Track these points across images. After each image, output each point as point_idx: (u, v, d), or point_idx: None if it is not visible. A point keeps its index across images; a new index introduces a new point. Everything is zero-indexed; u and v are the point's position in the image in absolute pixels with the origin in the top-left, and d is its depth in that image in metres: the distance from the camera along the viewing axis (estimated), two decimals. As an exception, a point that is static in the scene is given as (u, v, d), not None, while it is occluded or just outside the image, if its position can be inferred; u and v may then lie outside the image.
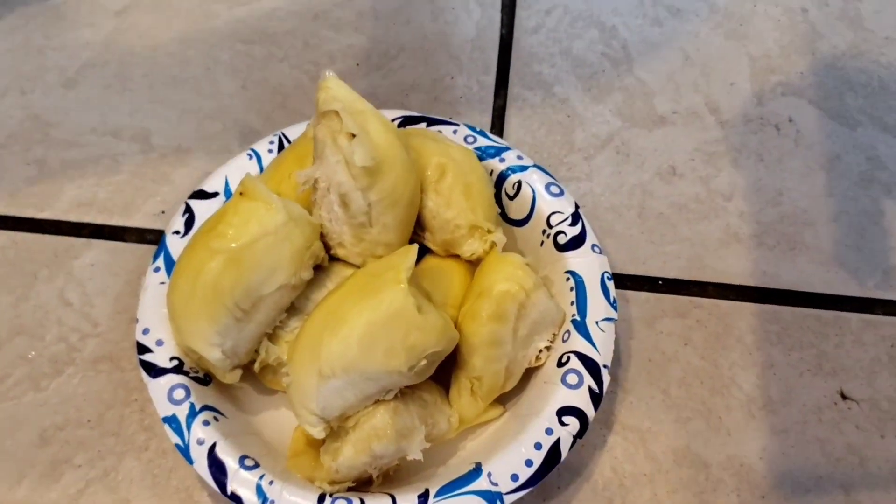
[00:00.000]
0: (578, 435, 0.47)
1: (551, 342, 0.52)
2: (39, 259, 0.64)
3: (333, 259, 0.52)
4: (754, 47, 0.77)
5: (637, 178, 0.68)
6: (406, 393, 0.48)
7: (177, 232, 0.55)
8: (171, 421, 0.48)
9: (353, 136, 0.47)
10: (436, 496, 0.45)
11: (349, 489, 0.48)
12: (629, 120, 0.72)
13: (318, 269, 0.51)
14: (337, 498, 0.45)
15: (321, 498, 0.45)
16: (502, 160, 0.58)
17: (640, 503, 0.52)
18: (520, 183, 0.57)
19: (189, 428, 0.47)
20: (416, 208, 0.52)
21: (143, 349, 0.50)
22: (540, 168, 0.58)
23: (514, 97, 0.73)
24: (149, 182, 0.68)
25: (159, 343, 0.50)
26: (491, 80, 0.74)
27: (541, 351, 0.52)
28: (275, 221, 0.47)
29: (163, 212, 0.65)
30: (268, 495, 0.45)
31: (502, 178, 0.57)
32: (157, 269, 0.53)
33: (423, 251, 0.55)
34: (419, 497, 0.45)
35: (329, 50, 0.77)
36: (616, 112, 0.73)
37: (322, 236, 0.51)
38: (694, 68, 0.75)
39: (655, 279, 0.62)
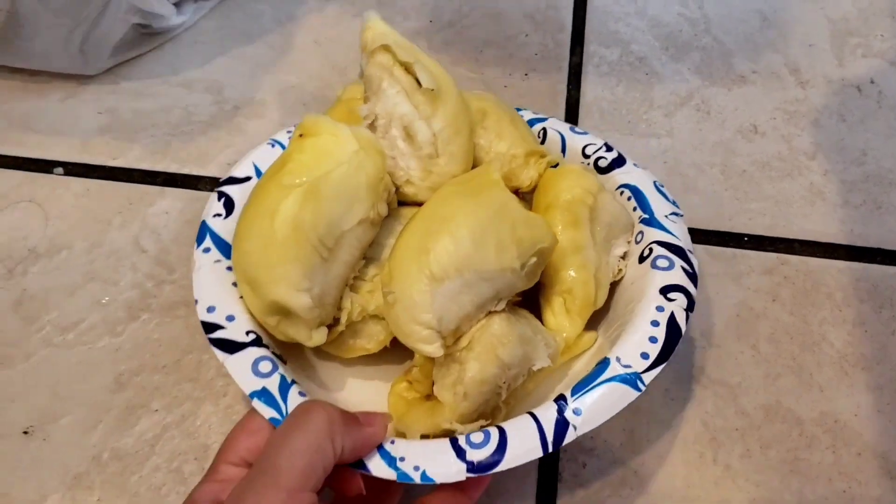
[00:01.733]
0: (689, 308, 0.46)
1: (627, 248, 0.51)
2: (113, 206, 0.64)
3: (402, 204, 0.50)
4: (832, 10, 0.76)
5: (718, 136, 0.67)
6: (512, 310, 0.45)
7: (218, 215, 0.51)
8: (262, 395, 0.42)
9: (407, 68, 0.47)
10: (573, 395, 0.42)
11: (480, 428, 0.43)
12: (708, 79, 0.72)
13: (387, 216, 0.48)
14: (470, 433, 0.41)
15: (452, 439, 0.41)
16: (522, 116, 0.58)
17: (732, 458, 0.50)
18: (545, 130, 0.57)
19: (286, 399, 0.42)
20: (473, 140, 0.50)
21: (211, 328, 0.45)
22: (557, 118, 0.59)
23: (591, 55, 0.74)
24: (223, 133, 0.68)
25: (230, 318, 0.45)
26: (566, 37, 0.74)
27: (621, 258, 0.51)
28: (346, 150, 0.45)
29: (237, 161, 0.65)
30: (393, 454, 0.40)
31: None
32: (206, 250, 0.48)
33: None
34: (557, 402, 0.42)
35: (402, 7, 0.77)
36: (694, 70, 0.73)
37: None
38: (772, 30, 0.75)
39: (741, 235, 0.61)
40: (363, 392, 0.49)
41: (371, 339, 0.48)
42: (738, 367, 0.54)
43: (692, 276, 0.47)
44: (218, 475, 0.39)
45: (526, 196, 0.54)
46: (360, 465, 0.39)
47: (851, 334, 0.55)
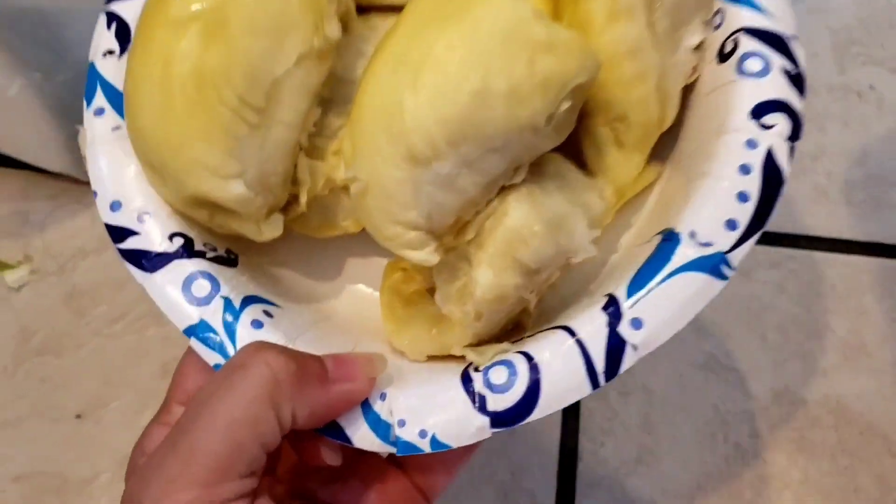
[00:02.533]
0: (793, 137, 0.31)
1: (703, 35, 0.34)
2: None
3: (364, 11, 0.34)
4: (834, 21, 0.80)
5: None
6: (536, 173, 0.31)
7: (109, 52, 0.35)
8: (199, 330, 0.30)
9: None
10: (629, 297, 0.29)
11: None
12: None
13: (346, 34, 0.33)
14: (488, 368, 0.29)
15: (466, 382, 0.29)
16: None
17: (741, 437, 0.53)
18: None
19: (233, 337, 0.30)
20: None
21: (120, 233, 0.32)
22: None
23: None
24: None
25: (143, 217, 0.32)
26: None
27: (695, 48, 0.34)
28: None
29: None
30: (385, 418, 0.29)
31: None
32: (99, 112, 0.34)
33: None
34: (606, 310, 0.29)
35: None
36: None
37: None
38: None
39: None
40: (357, 276, 0.37)
41: (349, 216, 0.35)
42: (747, 355, 0.56)
43: (798, 82, 0.31)
44: (169, 416, 0.32)
45: None
46: (337, 431, 0.29)
47: (854, 323, 0.57)
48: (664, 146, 0.35)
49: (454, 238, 0.30)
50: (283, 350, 0.28)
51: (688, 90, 0.34)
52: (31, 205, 0.66)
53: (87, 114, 0.34)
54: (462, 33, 0.27)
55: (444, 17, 0.28)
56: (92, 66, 0.35)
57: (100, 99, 0.34)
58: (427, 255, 0.29)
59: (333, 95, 0.33)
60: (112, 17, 0.35)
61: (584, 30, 0.32)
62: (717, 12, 0.34)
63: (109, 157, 0.33)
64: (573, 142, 0.34)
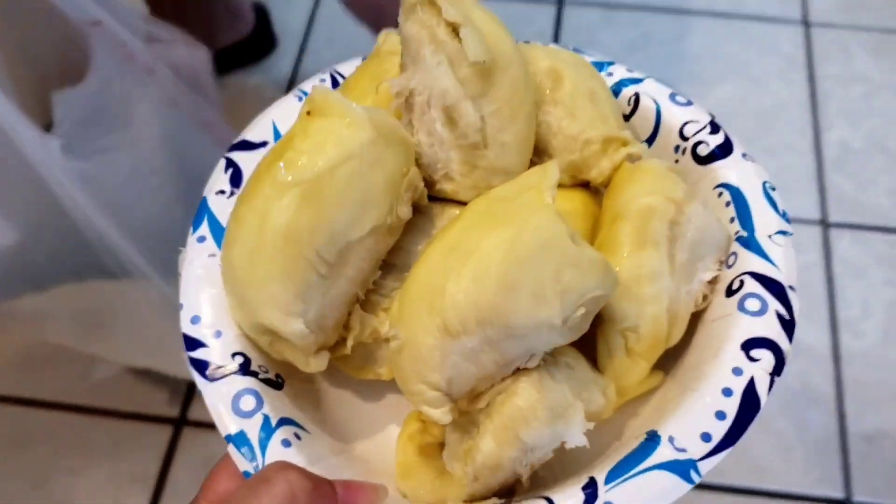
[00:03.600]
0: (775, 372, 0.36)
1: (719, 270, 0.39)
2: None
3: (435, 199, 0.40)
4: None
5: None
6: (550, 360, 0.36)
7: (221, 192, 0.42)
8: (240, 440, 0.35)
9: (457, 29, 0.36)
10: (607, 483, 0.33)
11: None
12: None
13: (416, 213, 0.39)
14: None
15: None
16: (610, 74, 0.46)
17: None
18: (637, 96, 0.45)
19: (264, 451, 0.35)
20: (535, 123, 0.40)
21: (193, 344, 0.38)
22: (656, 79, 0.46)
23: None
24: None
25: (218, 335, 0.38)
26: None
27: (709, 282, 0.39)
28: (359, 139, 0.35)
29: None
30: None
31: (613, 93, 0.45)
32: (201, 239, 0.41)
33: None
34: (585, 491, 0.33)
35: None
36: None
37: (420, 168, 0.39)
38: None
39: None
40: (382, 418, 0.42)
41: (385, 365, 0.40)
42: None
43: (788, 326, 0.37)
44: None
45: (600, 189, 0.43)
46: None
47: None
48: (669, 359, 0.40)
49: (468, 404, 0.35)
50: (303, 471, 0.32)
51: (696, 315, 0.40)
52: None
53: (191, 238, 0.41)
54: (507, 236, 0.33)
55: (496, 219, 0.34)
56: (204, 200, 0.42)
57: (204, 229, 0.41)
58: (441, 415, 0.34)
59: (396, 261, 0.39)
60: (230, 164, 0.43)
61: (613, 249, 0.38)
62: (733, 253, 0.39)
63: (200, 277, 0.39)
64: (589, 340, 0.39)
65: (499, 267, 0.33)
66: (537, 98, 0.41)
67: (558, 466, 0.37)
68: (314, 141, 0.36)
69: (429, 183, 0.40)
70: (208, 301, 0.39)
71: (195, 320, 0.38)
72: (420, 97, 0.38)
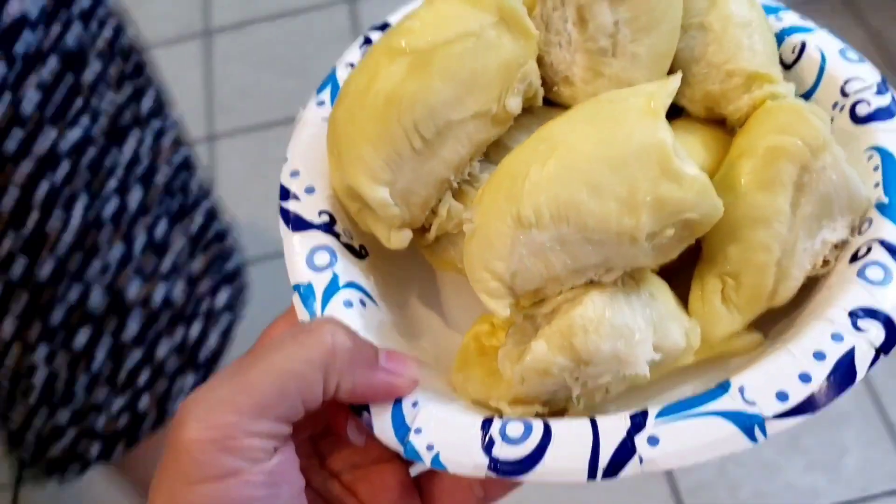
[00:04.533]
0: (884, 348, 0.31)
1: (849, 234, 0.35)
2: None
3: (550, 104, 0.39)
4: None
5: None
6: (630, 283, 0.34)
7: (350, 65, 0.43)
8: (305, 291, 0.36)
9: None
10: (658, 417, 0.31)
11: (537, 415, 0.34)
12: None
13: (527, 113, 0.38)
14: (509, 421, 0.32)
15: (486, 422, 0.32)
16: (779, 18, 0.42)
17: None
18: (804, 45, 0.41)
19: (325, 305, 0.35)
20: (675, 43, 0.38)
21: (286, 194, 0.39)
22: (829, 31, 0.42)
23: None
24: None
25: (309, 190, 0.39)
26: None
27: (834, 247, 0.35)
28: (481, 20, 0.35)
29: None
30: (408, 422, 0.32)
31: (778, 39, 0.41)
32: (320, 104, 0.41)
33: (672, 111, 0.38)
34: (633, 419, 0.31)
35: None
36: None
37: (540, 69, 0.37)
38: None
39: None
40: (457, 317, 0.41)
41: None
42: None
43: None
44: None
45: (736, 129, 0.39)
46: (366, 414, 0.33)
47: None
48: (772, 323, 0.36)
49: (532, 306, 0.34)
50: (348, 330, 0.32)
51: (816, 280, 0.36)
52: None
53: (312, 101, 0.42)
54: (606, 133, 0.32)
55: (597, 117, 0.33)
56: (333, 70, 0.43)
57: (325, 94, 0.42)
58: (499, 307, 0.33)
59: (496, 158, 0.38)
60: (367, 41, 0.44)
61: (730, 186, 0.35)
62: (868, 219, 0.35)
63: (310, 136, 0.40)
64: (684, 279, 0.36)
65: (587, 162, 0.31)
66: (686, 20, 0.38)
67: (622, 400, 0.35)
68: (437, 15, 0.35)
69: (548, 84, 0.38)
70: (312, 159, 0.39)
71: (294, 174, 0.39)
72: None
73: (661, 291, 0.35)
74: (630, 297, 0.33)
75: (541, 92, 0.38)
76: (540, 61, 0.37)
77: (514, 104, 0.36)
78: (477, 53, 0.35)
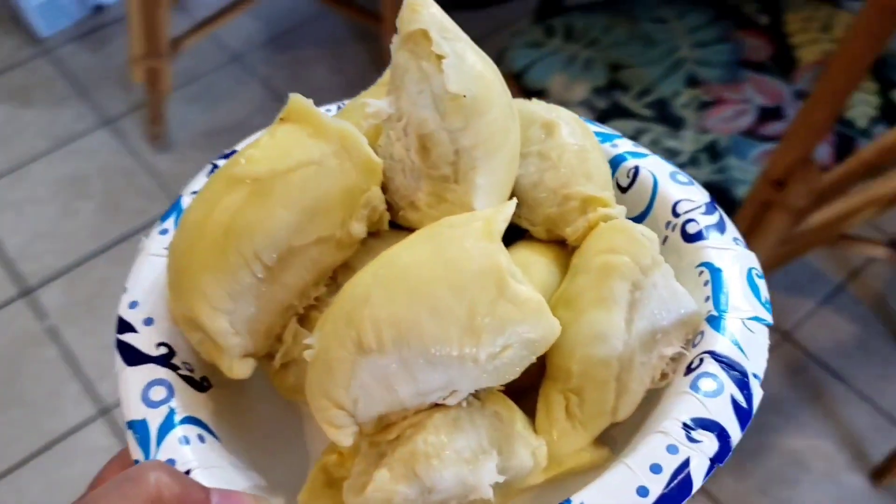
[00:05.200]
0: (717, 458, 0.32)
1: (683, 348, 0.37)
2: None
3: (397, 227, 0.39)
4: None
5: None
6: (474, 404, 0.34)
7: (195, 193, 0.41)
8: (139, 428, 0.34)
9: (442, 60, 0.36)
10: None
11: None
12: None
13: (375, 237, 0.38)
14: None
15: None
16: (614, 145, 0.45)
17: None
18: (637, 169, 0.43)
19: (160, 442, 0.34)
20: (514, 170, 0.39)
21: (124, 327, 0.37)
22: (661, 157, 0.44)
23: None
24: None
25: (148, 322, 0.37)
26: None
27: (671, 360, 0.37)
28: (322, 149, 0.35)
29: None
30: None
31: (614, 164, 0.44)
32: (164, 232, 0.41)
33: (517, 233, 0.41)
34: None
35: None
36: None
37: (386, 194, 0.38)
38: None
39: None
40: (308, 444, 0.40)
41: None
42: None
43: (743, 415, 0.33)
44: None
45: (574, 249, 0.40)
46: None
47: None
48: (618, 440, 0.37)
49: (377, 433, 0.33)
50: (175, 474, 0.30)
51: (655, 395, 0.37)
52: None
53: (155, 230, 0.41)
54: (446, 257, 0.32)
55: (437, 241, 0.33)
56: (178, 199, 0.42)
57: (169, 223, 0.41)
58: (341, 437, 0.32)
59: (344, 280, 0.37)
60: (214, 167, 0.43)
61: (567, 304, 0.36)
62: (700, 333, 0.37)
63: (150, 267, 0.39)
64: (532, 394, 0.37)
65: (428, 286, 0.31)
66: (525, 149, 0.40)
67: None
68: (278, 143, 0.36)
69: (394, 209, 0.39)
70: (151, 290, 0.38)
71: (133, 305, 0.38)
72: (399, 122, 0.38)
73: (507, 410, 0.35)
74: (474, 418, 0.33)
75: (386, 216, 0.38)
76: (385, 187, 0.38)
77: (359, 229, 0.36)
78: (319, 180, 0.35)
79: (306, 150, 0.35)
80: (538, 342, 0.33)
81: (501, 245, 0.33)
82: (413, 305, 0.31)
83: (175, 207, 0.42)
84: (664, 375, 0.37)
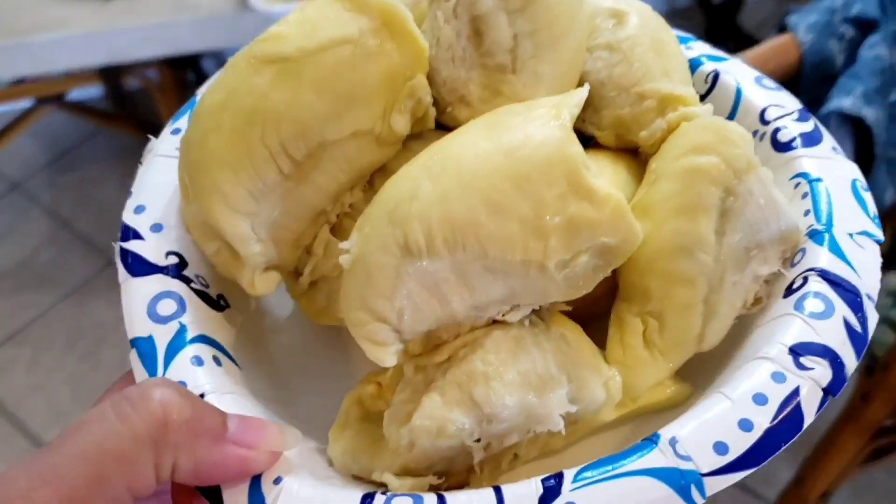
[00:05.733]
0: (831, 389, 0.27)
1: (781, 267, 0.31)
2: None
3: (444, 128, 0.33)
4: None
5: None
6: (537, 324, 0.29)
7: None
8: (143, 345, 0.29)
9: None
10: (576, 480, 0.25)
11: (431, 488, 0.27)
12: None
13: (418, 138, 0.33)
14: (394, 496, 0.25)
15: (366, 499, 0.25)
16: (689, 48, 0.39)
17: None
18: (716, 74, 0.38)
19: (168, 364, 0.29)
20: (581, 62, 0.34)
21: (129, 233, 0.32)
22: (742, 60, 0.39)
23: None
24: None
25: (156, 228, 0.32)
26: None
27: (766, 281, 0.31)
28: (359, 25, 0.30)
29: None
30: (267, 499, 0.26)
31: (689, 68, 0.38)
32: (176, 132, 0.35)
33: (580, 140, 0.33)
34: (545, 484, 0.25)
35: None
36: None
37: (432, 88, 0.32)
38: None
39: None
40: (335, 374, 0.35)
41: None
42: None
43: (857, 340, 0.28)
44: None
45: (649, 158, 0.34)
46: (216, 498, 0.26)
47: None
48: (706, 372, 0.31)
49: (425, 354, 0.28)
50: (186, 394, 0.25)
51: (747, 321, 0.31)
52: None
53: (166, 129, 0.36)
54: (507, 146, 0.27)
55: (497, 128, 0.28)
56: (195, 96, 0.37)
57: (182, 122, 0.36)
58: (385, 355, 0.27)
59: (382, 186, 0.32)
60: None
61: (647, 211, 0.30)
62: (800, 250, 0.31)
63: (160, 169, 0.34)
64: (601, 322, 0.31)
65: (486, 178, 0.26)
66: (591, 41, 0.35)
67: (534, 468, 0.29)
68: (309, 18, 0.30)
69: (440, 105, 0.33)
70: (162, 193, 0.33)
71: (138, 210, 0.33)
72: (448, 2, 0.32)
73: (575, 333, 0.30)
74: (539, 339, 0.28)
75: (432, 111, 0.33)
76: (431, 80, 0.32)
77: (401, 123, 0.31)
78: (355, 63, 0.29)
79: (342, 26, 0.30)
80: (617, 249, 0.27)
81: (572, 133, 0.27)
82: (469, 201, 0.26)
83: (189, 104, 0.36)
84: (758, 300, 0.31)
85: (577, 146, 0.27)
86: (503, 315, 0.28)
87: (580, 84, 0.33)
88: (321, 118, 0.29)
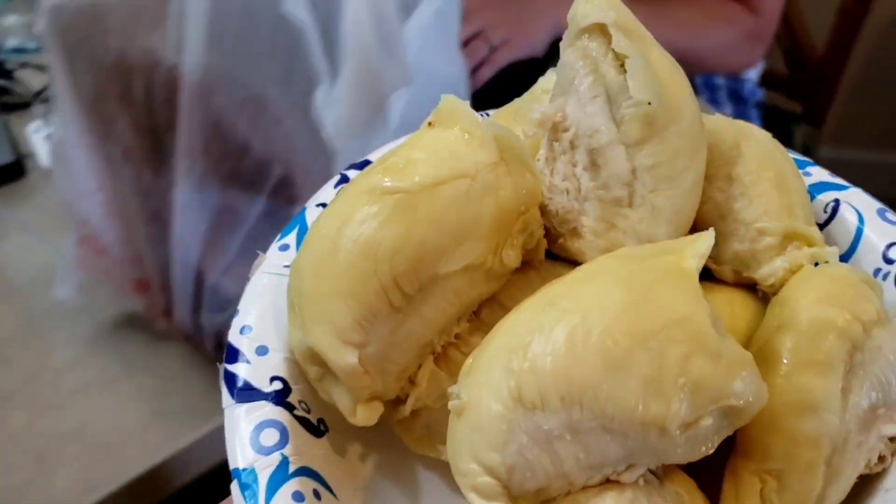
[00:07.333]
0: None
1: None
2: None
3: (553, 257, 0.33)
4: None
5: None
6: (652, 481, 0.27)
7: (322, 204, 0.37)
8: (245, 477, 0.29)
9: (624, 64, 0.30)
10: None
11: None
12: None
13: (527, 267, 0.33)
14: None
15: None
16: (807, 174, 0.38)
17: None
18: (836, 203, 0.36)
19: (269, 498, 0.28)
20: (698, 196, 0.33)
21: (233, 354, 0.32)
22: (864, 190, 0.37)
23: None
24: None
25: (261, 351, 0.32)
26: None
27: (888, 441, 0.29)
28: (477, 158, 0.30)
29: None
30: None
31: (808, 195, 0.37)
32: (284, 248, 0.35)
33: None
34: None
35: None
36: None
37: (543, 218, 0.32)
38: None
39: None
40: None
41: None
42: None
43: None
44: None
45: (768, 297, 0.33)
46: None
47: None
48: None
49: (533, 508, 0.27)
50: None
51: (866, 481, 0.30)
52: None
53: (274, 245, 0.36)
54: (626, 299, 0.26)
55: (616, 278, 0.27)
56: (302, 211, 0.37)
57: (291, 238, 0.36)
58: (490, 507, 0.26)
59: (489, 319, 0.32)
60: (343, 179, 0.38)
61: (769, 365, 0.29)
62: None
63: (267, 287, 0.34)
64: (716, 479, 0.30)
65: (606, 335, 0.25)
66: (710, 170, 0.33)
67: None
68: (426, 151, 0.30)
69: (551, 236, 0.33)
70: (266, 314, 0.33)
71: (244, 330, 0.33)
72: (566, 133, 0.32)
73: (690, 492, 0.28)
74: (654, 500, 0.27)
75: (544, 244, 0.32)
76: (543, 210, 0.32)
77: (513, 257, 0.31)
78: (471, 198, 0.29)
79: (459, 160, 0.30)
80: (744, 411, 0.26)
81: (699, 289, 0.26)
82: (587, 358, 0.25)
83: (297, 220, 0.37)
84: (881, 458, 0.29)
85: (705, 304, 0.26)
86: (618, 475, 0.26)
87: (697, 217, 0.33)
88: (435, 253, 0.29)
